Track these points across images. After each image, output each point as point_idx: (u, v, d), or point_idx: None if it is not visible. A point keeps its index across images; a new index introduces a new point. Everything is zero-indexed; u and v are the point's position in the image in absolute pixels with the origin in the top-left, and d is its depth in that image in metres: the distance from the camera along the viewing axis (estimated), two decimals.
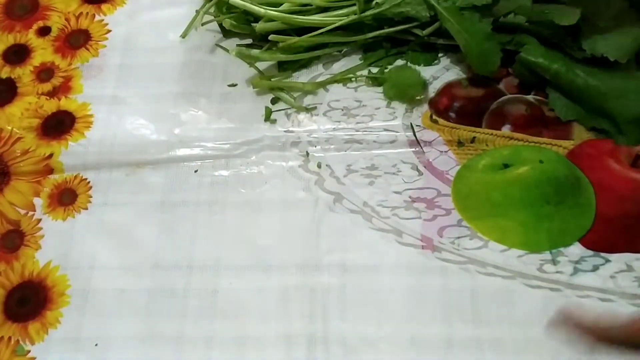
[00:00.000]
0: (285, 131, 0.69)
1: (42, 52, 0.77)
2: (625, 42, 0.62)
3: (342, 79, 0.71)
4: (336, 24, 0.69)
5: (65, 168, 0.69)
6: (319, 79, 0.71)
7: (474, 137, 0.66)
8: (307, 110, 0.70)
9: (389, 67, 0.71)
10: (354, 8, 0.69)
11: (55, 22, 0.79)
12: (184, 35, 0.76)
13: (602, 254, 0.59)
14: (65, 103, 0.73)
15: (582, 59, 0.64)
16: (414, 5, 0.68)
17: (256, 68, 0.72)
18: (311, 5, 0.70)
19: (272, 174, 0.66)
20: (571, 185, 0.61)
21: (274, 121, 0.69)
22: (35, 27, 0.79)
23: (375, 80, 0.70)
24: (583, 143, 0.64)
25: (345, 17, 0.69)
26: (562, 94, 0.65)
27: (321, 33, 0.70)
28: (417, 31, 0.69)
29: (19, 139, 0.70)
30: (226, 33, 0.75)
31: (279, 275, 0.60)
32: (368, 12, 0.69)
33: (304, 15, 0.70)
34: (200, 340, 0.58)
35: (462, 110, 0.68)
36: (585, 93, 0.63)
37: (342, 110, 0.69)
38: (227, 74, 0.73)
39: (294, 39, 0.69)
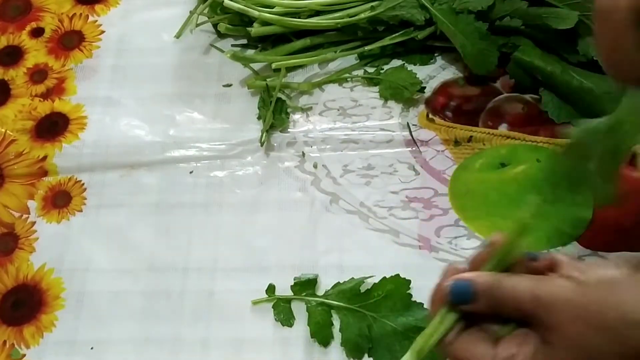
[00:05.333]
0: (280, 131, 0.68)
1: (36, 53, 0.76)
2: None
3: (338, 78, 0.71)
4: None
5: (59, 170, 0.68)
6: (315, 79, 0.71)
7: (471, 136, 0.65)
8: (303, 110, 0.69)
9: (385, 67, 0.70)
10: (349, 11, 0.69)
11: (49, 23, 0.78)
12: (178, 36, 0.76)
13: (600, 253, 0.59)
14: (59, 105, 0.72)
15: (577, 63, 0.64)
16: (408, 9, 0.68)
17: (251, 68, 0.71)
18: (305, 8, 0.70)
19: (267, 174, 0.66)
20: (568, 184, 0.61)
21: None
22: (28, 28, 0.78)
23: (371, 81, 0.70)
24: None
25: (340, 20, 0.69)
26: (556, 95, 0.65)
27: (317, 36, 0.70)
28: (414, 34, 0.69)
29: (12, 141, 0.70)
30: (220, 33, 0.75)
31: (276, 277, 0.60)
32: (363, 16, 0.69)
33: (298, 18, 0.70)
34: (197, 343, 0.58)
35: (458, 109, 0.67)
36: (579, 95, 0.63)
37: (338, 110, 0.69)
38: (222, 75, 0.73)
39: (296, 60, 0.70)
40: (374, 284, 0.58)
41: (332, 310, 0.58)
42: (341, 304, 0.57)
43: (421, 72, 0.69)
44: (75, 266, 0.63)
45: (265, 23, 0.70)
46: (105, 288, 0.61)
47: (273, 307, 0.58)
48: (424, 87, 0.68)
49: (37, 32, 0.78)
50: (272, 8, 0.70)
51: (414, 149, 0.66)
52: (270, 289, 0.59)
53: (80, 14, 0.79)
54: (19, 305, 0.61)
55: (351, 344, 0.56)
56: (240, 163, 0.67)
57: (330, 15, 0.70)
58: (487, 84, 0.68)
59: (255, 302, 0.59)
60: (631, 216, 0.60)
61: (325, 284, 0.59)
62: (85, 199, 0.66)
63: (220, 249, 0.62)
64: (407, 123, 0.67)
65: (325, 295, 0.58)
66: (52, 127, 0.71)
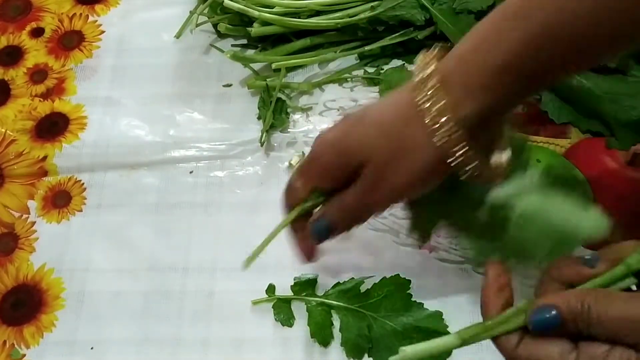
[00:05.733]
0: (280, 131, 0.68)
1: (36, 53, 0.76)
2: None
3: (338, 78, 0.71)
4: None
5: (59, 170, 0.68)
6: (315, 79, 0.71)
7: None
8: (303, 110, 0.69)
9: (385, 67, 0.70)
10: (349, 11, 0.69)
11: (49, 23, 0.78)
12: (178, 36, 0.76)
13: None
14: (59, 105, 0.72)
15: None
16: (408, 9, 0.68)
17: (251, 68, 0.71)
18: (305, 8, 0.70)
19: (267, 174, 0.66)
20: (568, 185, 0.61)
21: None
22: (28, 28, 0.78)
23: (371, 81, 0.70)
24: (580, 142, 0.64)
25: (340, 20, 0.69)
26: (556, 95, 0.65)
27: (317, 36, 0.70)
28: (414, 34, 0.69)
29: (12, 141, 0.70)
30: (220, 33, 0.75)
31: (276, 277, 0.60)
32: (363, 16, 0.69)
33: (298, 18, 0.70)
34: (197, 343, 0.58)
35: None
36: (579, 95, 0.63)
37: (338, 110, 0.69)
38: (222, 75, 0.73)
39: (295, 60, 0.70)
40: (374, 284, 0.58)
41: (332, 310, 0.58)
42: (341, 304, 0.57)
43: None
44: (75, 266, 0.63)
45: (265, 23, 0.70)
46: (105, 288, 0.61)
47: (273, 307, 0.58)
48: None
49: (37, 32, 0.78)
50: (272, 8, 0.70)
51: None
52: (270, 289, 0.59)
53: (80, 14, 0.79)
54: (19, 305, 0.61)
55: (351, 344, 0.56)
56: (240, 163, 0.67)
57: (330, 15, 0.70)
58: None
59: (255, 302, 0.59)
60: (632, 215, 0.60)
61: (325, 284, 0.59)
62: (85, 199, 0.66)
63: (220, 249, 0.62)
64: None
65: (325, 295, 0.58)
66: (52, 127, 0.71)
